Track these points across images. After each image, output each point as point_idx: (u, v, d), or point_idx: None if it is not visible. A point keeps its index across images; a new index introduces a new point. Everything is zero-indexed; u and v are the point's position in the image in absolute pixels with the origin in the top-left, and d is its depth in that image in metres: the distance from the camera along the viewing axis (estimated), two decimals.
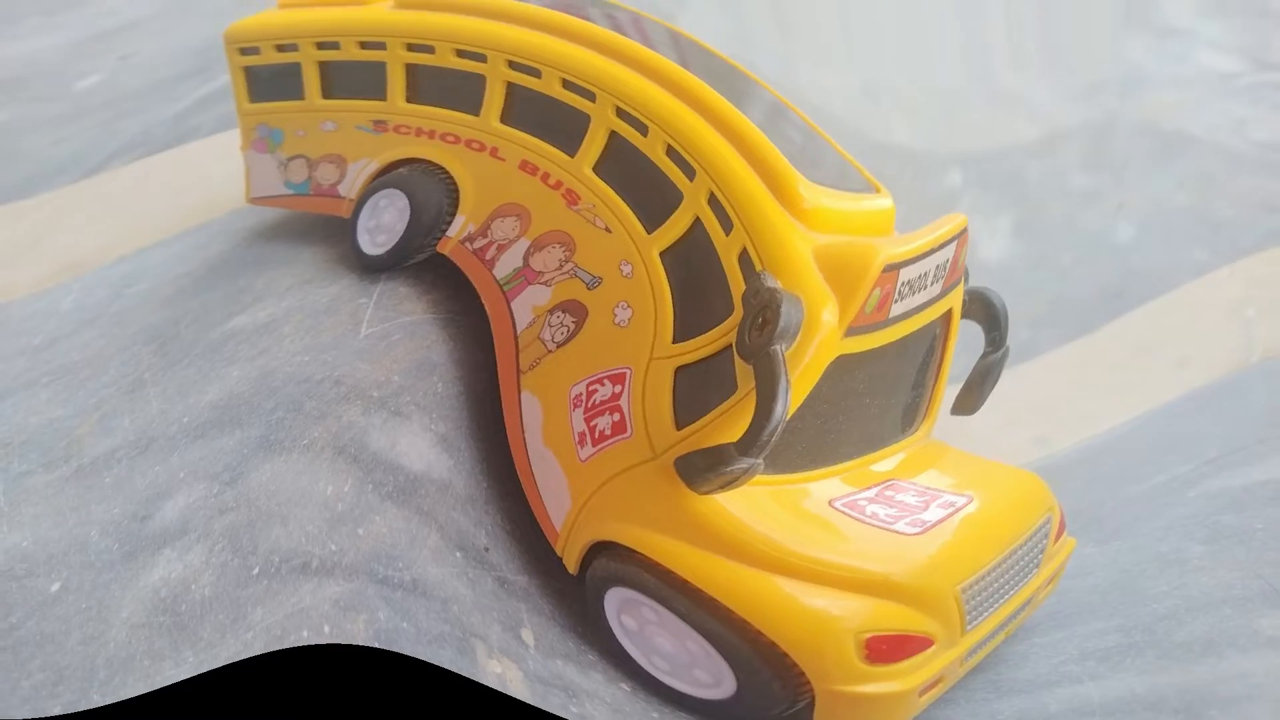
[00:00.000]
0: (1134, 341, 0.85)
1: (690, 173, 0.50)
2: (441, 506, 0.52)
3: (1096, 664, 0.51)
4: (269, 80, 0.63)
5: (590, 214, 0.54)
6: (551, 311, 0.54)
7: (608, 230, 0.53)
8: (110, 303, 0.67)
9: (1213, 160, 0.98)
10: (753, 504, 0.46)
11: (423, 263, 0.60)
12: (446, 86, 0.58)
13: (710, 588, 0.45)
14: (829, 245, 0.47)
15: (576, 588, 0.51)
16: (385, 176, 0.60)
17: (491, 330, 0.56)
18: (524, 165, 0.56)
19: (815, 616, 0.44)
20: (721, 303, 0.48)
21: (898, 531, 0.47)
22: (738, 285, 0.48)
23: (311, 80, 0.62)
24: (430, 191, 0.58)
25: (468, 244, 0.58)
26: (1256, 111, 1.04)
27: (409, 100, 0.59)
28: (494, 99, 0.57)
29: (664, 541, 0.46)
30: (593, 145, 0.54)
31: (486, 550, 0.52)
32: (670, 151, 0.51)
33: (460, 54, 0.57)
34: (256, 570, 0.46)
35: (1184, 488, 0.65)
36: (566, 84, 0.54)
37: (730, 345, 0.47)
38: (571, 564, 0.50)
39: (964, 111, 1.05)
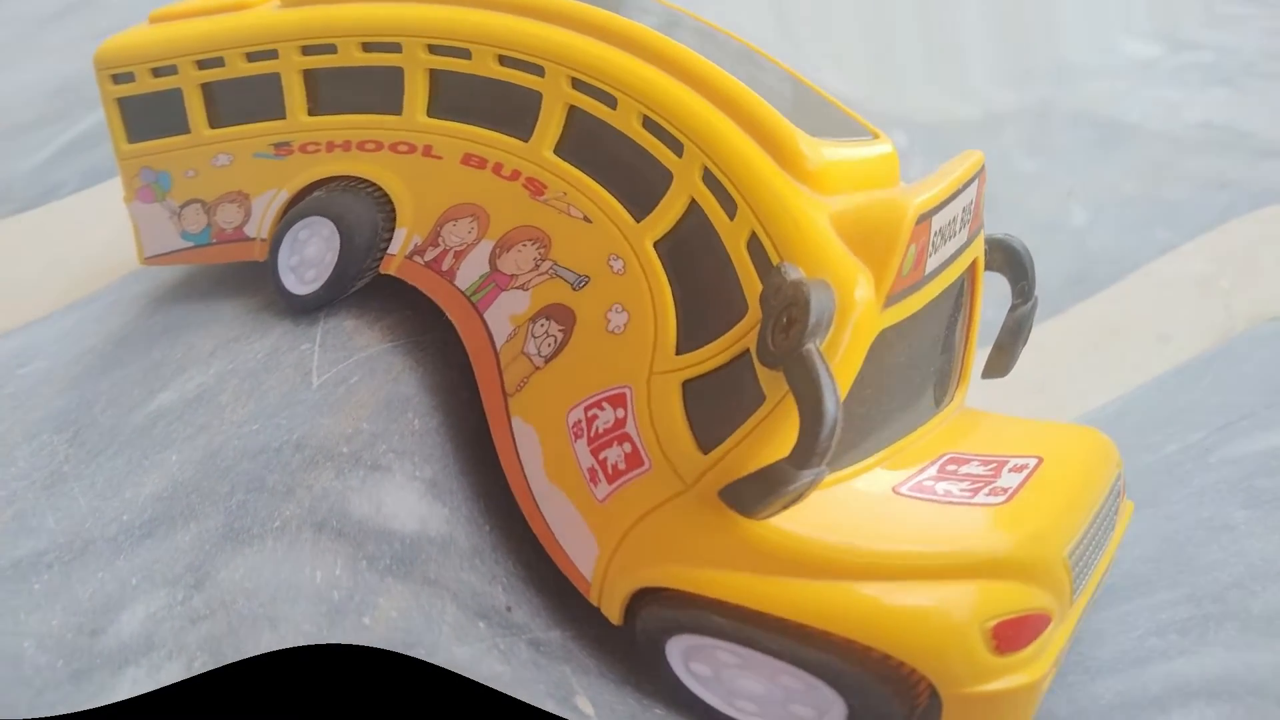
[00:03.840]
0: (1108, 321, 0.83)
1: (677, 147, 0.44)
2: (449, 569, 0.46)
3: (1179, 637, 0.48)
4: (148, 113, 0.56)
5: (562, 203, 0.47)
6: (534, 320, 0.47)
7: (587, 220, 0.46)
8: (2, 384, 0.59)
9: (1155, 146, 0.98)
10: (811, 513, 0.41)
11: (366, 288, 0.53)
12: (356, 88, 0.51)
13: (798, 615, 0.40)
14: (848, 209, 0.42)
15: (616, 631, 0.46)
16: (300, 205, 0.53)
17: (465, 348, 0.49)
18: (468, 159, 0.49)
19: (929, 615, 0.39)
20: (732, 302, 0.43)
21: (981, 504, 0.42)
22: (749, 279, 0.42)
23: (196, 107, 0.54)
24: (358, 209, 0.52)
25: (417, 257, 0.51)
26: (1184, 94, 1.03)
27: (313, 112, 0.52)
28: (416, 91, 0.50)
29: (726, 577, 0.41)
30: (550, 125, 0.47)
31: (509, 610, 0.46)
32: (648, 124, 0.45)
33: (368, 47, 0.50)
34: None
35: (1202, 455, 0.63)
36: (504, 60, 0.48)
37: (747, 350, 0.42)
38: (614, 615, 0.45)
39: (899, 75, 1.02)
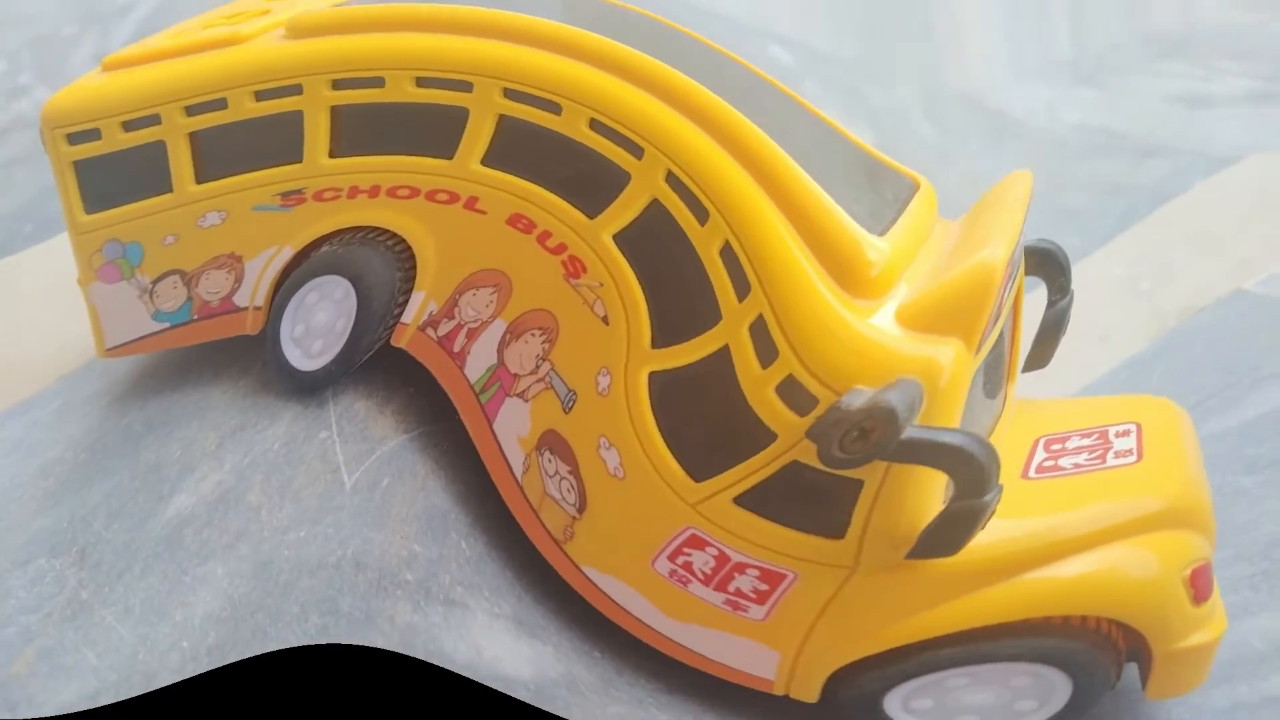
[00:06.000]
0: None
1: (744, 290, 0.40)
2: (592, 708, 0.42)
3: (1252, 594, 0.50)
4: (115, 175, 0.47)
5: (591, 295, 0.42)
6: (539, 450, 0.44)
7: (605, 322, 0.42)
8: None
9: (1043, 146, 0.98)
10: None
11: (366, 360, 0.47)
12: (396, 127, 0.44)
13: (1020, 613, 0.40)
14: (919, 297, 0.40)
15: (781, 701, 0.44)
16: (308, 263, 0.46)
17: (480, 457, 0.46)
18: (515, 220, 0.43)
19: (1136, 573, 0.40)
20: (745, 434, 0.40)
21: (1116, 466, 0.42)
22: (775, 415, 0.39)
23: (181, 160, 0.46)
24: (377, 267, 0.45)
25: (430, 330, 0.46)
26: (1055, 91, 1.05)
27: (336, 154, 0.45)
28: (478, 136, 0.43)
29: (938, 614, 0.40)
30: (624, 212, 0.41)
31: None
32: (726, 253, 0.40)
33: (425, 83, 0.43)
34: None
35: None
36: (597, 126, 0.41)
37: (795, 460, 0.40)
38: (810, 696, 0.43)
39: None
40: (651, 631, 0.44)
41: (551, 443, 0.44)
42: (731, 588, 0.42)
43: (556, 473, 0.44)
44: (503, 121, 0.43)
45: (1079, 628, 0.40)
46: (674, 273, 0.41)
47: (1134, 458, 0.43)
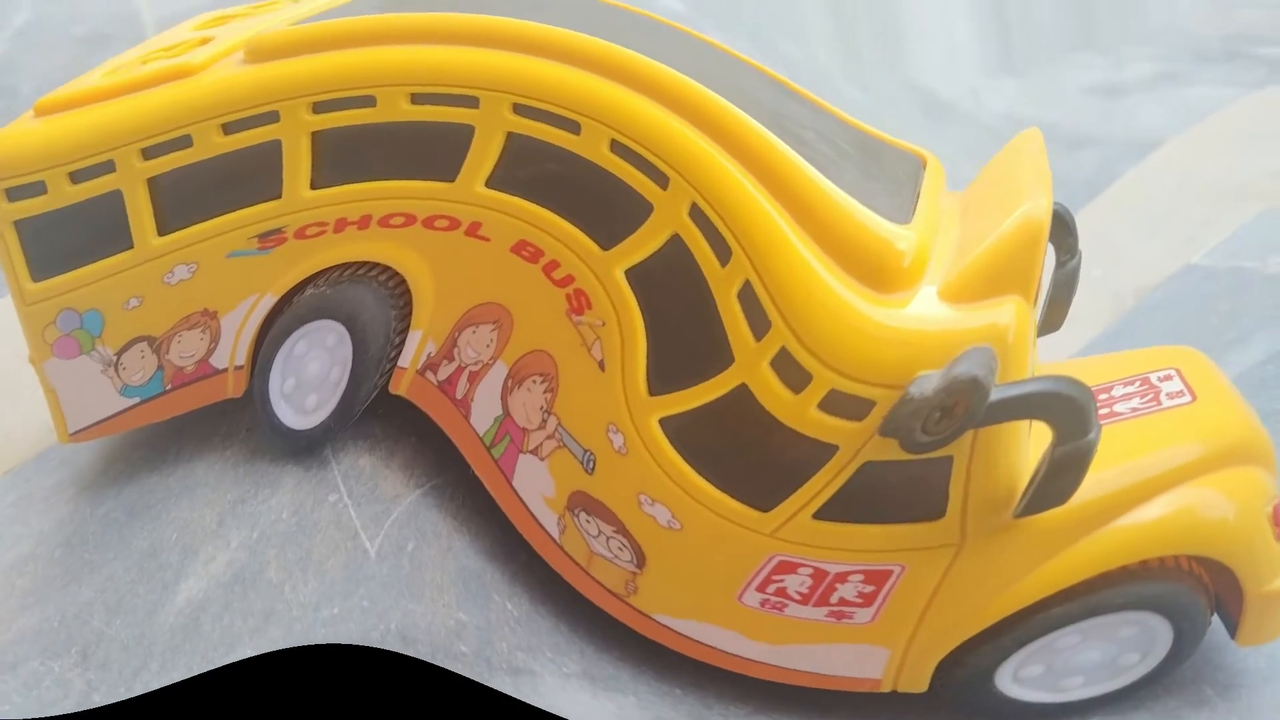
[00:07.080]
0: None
1: (762, 328, 0.37)
2: None
3: None
4: (63, 234, 0.42)
5: (591, 334, 0.39)
6: (573, 512, 0.41)
7: (600, 367, 0.39)
8: None
9: (974, 134, 0.98)
10: None
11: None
12: (389, 149, 0.40)
13: (1125, 558, 0.39)
14: (964, 271, 0.37)
15: (875, 698, 0.42)
16: (293, 309, 0.42)
17: (507, 516, 0.43)
18: (520, 247, 0.40)
19: (1225, 510, 0.39)
20: (802, 456, 0.38)
21: (1174, 407, 0.42)
22: (824, 429, 0.37)
23: (141, 210, 0.41)
24: (372, 306, 0.42)
25: (430, 374, 0.43)
26: (978, 79, 1.04)
27: (318, 185, 0.41)
28: (483, 156, 0.39)
29: (1045, 572, 0.39)
30: (642, 246, 0.38)
31: None
32: (746, 294, 0.37)
33: (422, 99, 0.39)
34: None
35: None
36: (619, 149, 0.38)
37: (868, 461, 0.37)
38: (920, 685, 0.41)
39: None
40: (744, 661, 0.41)
41: (584, 504, 0.41)
42: (834, 599, 0.39)
43: (600, 533, 0.41)
44: (511, 140, 0.39)
45: (1175, 570, 0.39)
46: (681, 315, 0.38)
47: (1188, 398, 0.42)
